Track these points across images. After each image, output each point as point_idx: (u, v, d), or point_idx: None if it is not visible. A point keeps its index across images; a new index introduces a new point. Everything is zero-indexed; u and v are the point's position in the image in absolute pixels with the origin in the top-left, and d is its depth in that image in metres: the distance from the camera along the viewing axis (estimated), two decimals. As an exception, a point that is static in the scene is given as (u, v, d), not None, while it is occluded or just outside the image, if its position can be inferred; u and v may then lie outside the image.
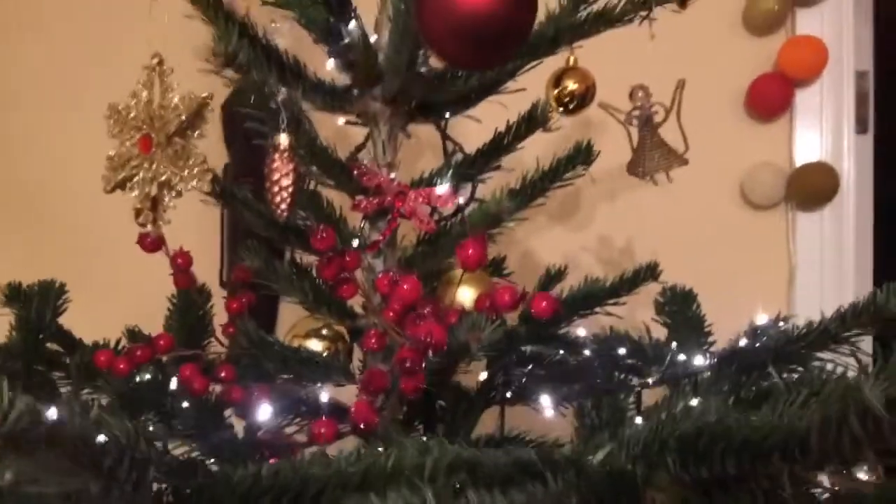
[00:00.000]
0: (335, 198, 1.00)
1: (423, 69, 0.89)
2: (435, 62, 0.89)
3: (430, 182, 0.96)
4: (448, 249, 0.89)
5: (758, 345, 0.81)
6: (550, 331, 0.95)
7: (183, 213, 0.81)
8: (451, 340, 0.71)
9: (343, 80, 0.90)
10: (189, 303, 1.01)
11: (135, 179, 0.82)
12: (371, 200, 0.89)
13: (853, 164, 1.57)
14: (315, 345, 0.95)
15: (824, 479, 0.54)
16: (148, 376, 0.92)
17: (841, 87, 1.57)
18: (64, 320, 0.98)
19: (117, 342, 0.98)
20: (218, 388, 0.91)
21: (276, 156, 0.78)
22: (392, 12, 0.83)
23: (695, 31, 1.24)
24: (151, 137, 0.81)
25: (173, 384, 0.86)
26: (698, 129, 1.07)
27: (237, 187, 0.97)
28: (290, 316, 1.06)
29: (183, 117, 0.79)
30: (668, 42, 0.94)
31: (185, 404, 0.87)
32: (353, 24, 0.87)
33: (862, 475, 0.60)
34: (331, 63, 0.90)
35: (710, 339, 0.96)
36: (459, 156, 0.96)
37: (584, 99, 1.00)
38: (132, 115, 0.82)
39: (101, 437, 0.51)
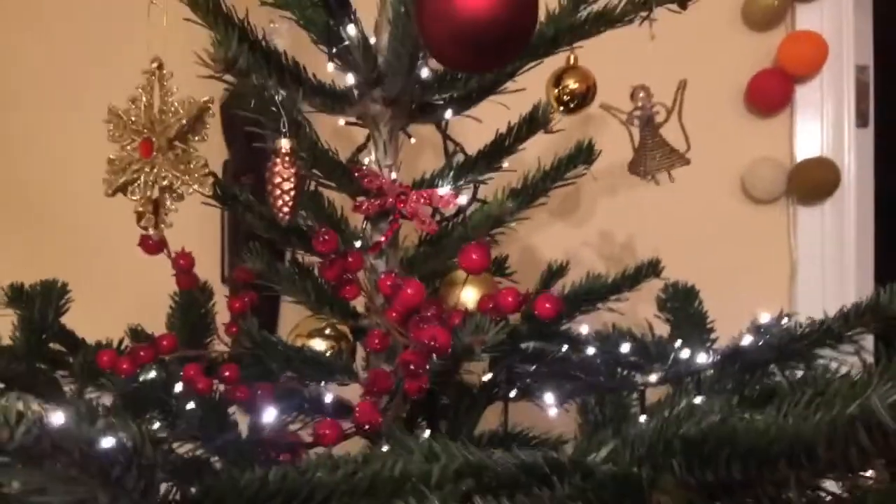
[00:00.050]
0: (336, 198, 1.00)
1: (423, 71, 0.89)
2: (435, 64, 0.88)
3: (431, 183, 0.96)
4: (450, 250, 0.89)
5: (761, 343, 0.81)
6: (552, 328, 0.96)
7: (183, 209, 0.81)
8: (455, 343, 0.72)
9: (343, 81, 0.90)
10: (191, 301, 1.01)
11: (136, 183, 0.82)
12: (372, 202, 0.89)
13: (854, 158, 1.57)
14: (318, 344, 0.95)
15: (828, 483, 0.54)
16: (152, 375, 0.92)
17: (841, 81, 1.57)
18: (65, 320, 0.99)
19: (120, 342, 0.98)
20: (222, 387, 0.91)
21: (278, 160, 0.78)
22: (392, 15, 0.83)
23: (694, 27, 1.23)
24: (152, 141, 0.81)
25: (178, 387, 0.86)
26: (699, 125, 1.07)
27: (238, 187, 0.97)
28: (291, 314, 1.06)
29: (184, 121, 0.79)
30: (667, 38, 0.94)
31: (190, 405, 0.86)
32: (352, 27, 0.87)
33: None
34: (331, 65, 0.89)
35: (713, 335, 0.96)
36: (460, 156, 0.96)
37: (584, 98, 1.00)
38: (133, 119, 0.83)
39: (109, 444, 0.51)
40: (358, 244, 0.93)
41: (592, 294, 1.03)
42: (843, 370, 0.67)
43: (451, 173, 0.95)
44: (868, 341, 0.78)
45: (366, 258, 0.91)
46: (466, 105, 0.97)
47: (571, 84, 1.01)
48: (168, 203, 0.81)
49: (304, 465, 0.55)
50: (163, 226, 0.82)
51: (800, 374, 0.81)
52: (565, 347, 0.97)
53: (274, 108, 0.78)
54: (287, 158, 0.78)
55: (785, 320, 0.85)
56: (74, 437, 0.47)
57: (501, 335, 0.72)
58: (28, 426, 0.43)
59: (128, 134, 0.83)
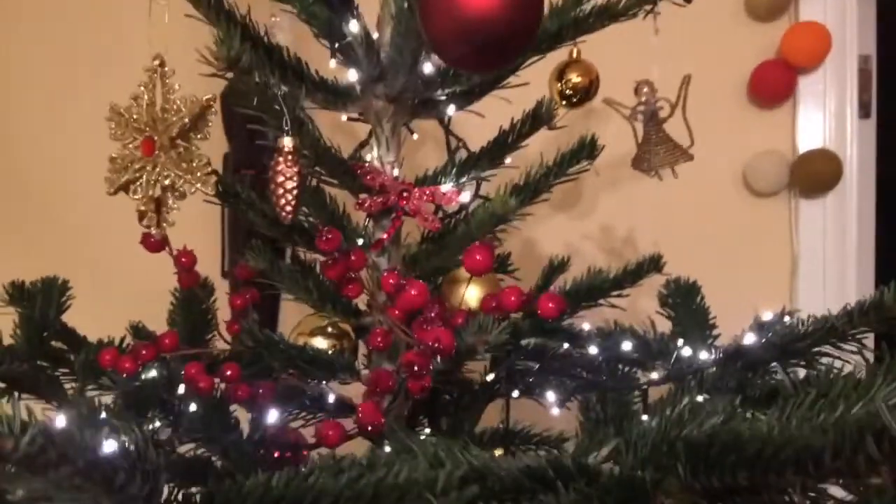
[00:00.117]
0: (337, 194, 1.00)
1: (425, 66, 0.88)
2: (438, 60, 0.88)
3: (434, 180, 0.95)
4: (453, 248, 0.89)
5: (763, 341, 0.81)
6: (554, 324, 0.95)
7: (184, 202, 0.81)
8: (459, 343, 0.71)
9: (346, 77, 0.90)
10: (192, 298, 1.01)
11: (138, 182, 0.82)
12: (375, 199, 0.89)
13: (856, 149, 1.57)
14: (320, 342, 0.95)
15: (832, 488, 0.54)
16: (153, 373, 0.92)
17: (844, 72, 1.56)
18: (66, 318, 0.99)
19: (121, 340, 0.98)
20: (223, 385, 0.91)
21: (281, 159, 0.78)
22: (394, 10, 0.82)
23: (697, 18, 1.23)
24: (154, 140, 0.81)
25: (181, 389, 0.86)
26: (701, 117, 1.06)
27: (239, 182, 0.97)
28: (292, 310, 1.06)
29: (186, 120, 0.79)
30: (670, 30, 0.94)
31: (193, 406, 0.86)
32: (354, 22, 0.86)
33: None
34: (334, 61, 0.89)
35: (715, 332, 0.96)
36: (463, 152, 0.96)
37: (587, 92, 1.00)
38: (134, 117, 0.82)
39: (113, 451, 0.51)
40: (360, 241, 0.92)
41: (594, 290, 1.03)
42: (847, 370, 0.67)
43: (454, 170, 0.95)
44: (869, 339, 0.78)
45: (368, 255, 0.91)
46: (469, 100, 0.96)
47: (574, 78, 1.00)
48: (170, 202, 0.81)
49: (307, 468, 0.55)
50: (165, 224, 0.82)
51: (802, 373, 0.81)
52: (566, 344, 0.98)
53: (277, 107, 0.78)
54: (290, 157, 0.78)
55: (787, 318, 0.85)
56: (79, 444, 0.47)
57: (504, 335, 0.72)
58: (33, 436, 0.43)
59: (129, 132, 0.82)
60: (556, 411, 0.96)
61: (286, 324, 1.31)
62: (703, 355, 0.87)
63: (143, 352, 0.89)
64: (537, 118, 0.96)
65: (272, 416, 0.87)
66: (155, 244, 0.87)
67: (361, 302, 0.96)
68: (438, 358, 0.71)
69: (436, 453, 0.53)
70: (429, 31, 0.66)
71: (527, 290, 0.85)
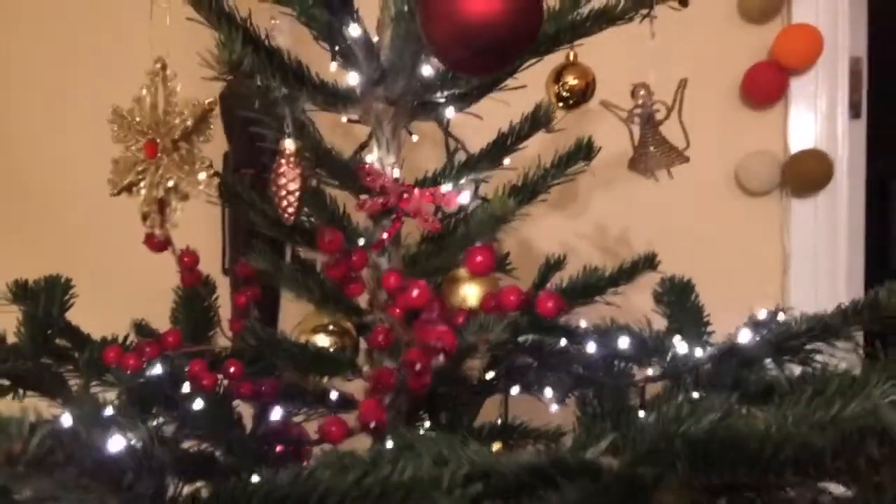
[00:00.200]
0: (337, 194, 1.01)
1: (425, 69, 0.89)
2: (438, 62, 0.89)
3: (433, 181, 0.97)
4: (453, 248, 0.90)
5: (758, 339, 0.83)
6: (551, 321, 0.97)
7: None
8: (460, 342, 0.73)
9: (346, 80, 0.91)
10: (194, 296, 1.02)
11: (141, 184, 0.83)
12: (375, 200, 0.90)
13: (847, 149, 1.58)
14: (322, 340, 0.96)
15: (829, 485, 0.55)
16: (157, 370, 0.92)
17: (835, 73, 1.58)
18: (68, 316, 0.99)
19: (125, 338, 0.99)
20: (226, 382, 0.92)
21: (283, 161, 0.79)
22: (394, 13, 0.83)
23: (692, 21, 1.24)
24: (157, 142, 0.82)
25: (186, 387, 0.87)
26: (694, 118, 1.07)
27: (239, 181, 0.98)
28: (292, 307, 1.07)
29: (188, 122, 0.80)
30: (663, 32, 0.95)
31: (197, 403, 0.87)
32: (354, 25, 0.87)
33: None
34: (334, 64, 0.90)
35: (709, 329, 0.98)
36: (462, 154, 0.97)
37: (584, 95, 1.01)
38: (137, 119, 0.83)
39: (120, 451, 0.52)
40: (361, 242, 0.94)
41: (590, 287, 1.05)
42: (842, 367, 0.68)
43: (454, 171, 0.96)
44: (858, 337, 0.80)
45: (369, 255, 0.92)
46: (467, 102, 0.98)
47: (571, 80, 1.01)
48: (173, 203, 0.82)
49: (311, 466, 0.56)
50: (168, 225, 0.83)
51: (796, 370, 0.82)
52: (564, 341, 0.99)
53: (278, 110, 0.79)
54: (292, 159, 0.79)
55: (781, 316, 0.87)
56: (86, 445, 0.48)
57: (505, 334, 0.73)
58: (42, 437, 0.44)
59: (132, 134, 0.83)
60: (551, 402, 0.97)
61: (287, 319, 1.32)
62: (699, 352, 0.88)
63: (147, 349, 0.90)
64: (536, 121, 0.97)
65: (275, 412, 0.88)
66: (158, 244, 0.88)
67: (362, 300, 0.97)
68: (442, 358, 0.73)
69: (439, 451, 0.54)
70: (429, 34, 0.67)
71: (523, 287, 0.86)
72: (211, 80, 0.81)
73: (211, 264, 1.00)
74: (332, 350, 0.95)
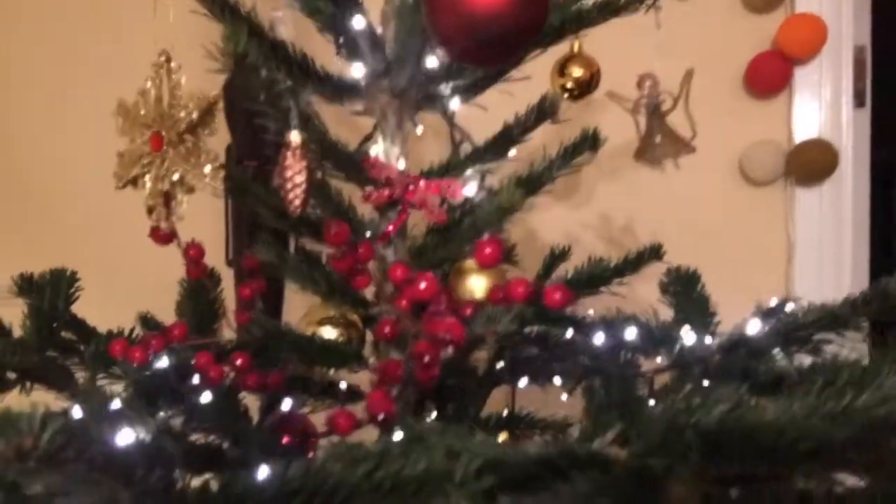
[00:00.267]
0: (342, 186, 1.00)
1: (430, 60, 0.89)
2: (442, 54, 0.89)
3: (439, 173, 0.96)
4: (459, 240, 0.90)
5: (766, 329, 0.82)
6: (557, 312, 0.96)
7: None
8: (468, 334, 0.73)
9: (350, 72, 0.90)
10: (199, 288, 1.02)
11: (146, 177, 0.83)
12: (381, 192, 0.90)
13: (851, 138, 1.58)
14: (329, 332, 0.96)
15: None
16: (163, 363, 0.92)
17: (839, 62, 1.57)
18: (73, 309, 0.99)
19: (131, 331, 0.99)
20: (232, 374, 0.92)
21: (289, 153, 0.79)
22: (399, 5, 0.83)
23: (696, 11, 1.24)
24: (162, 135, 0.82)
25: (193, 380, 0.87)
26: (698, 108, 1.07)
27: (242, 171, 0.98)
28: (296, 300, 1.07)
29: (193, 115, 0.80)
30: (668, 23, 0.95)
31: (203, 396, 0.87)
32: (359, 17, 0.87)
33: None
34: (339, 56, 0.90)
35: (716, 319, 0.98)
36: (467, 145, 0.97)
37: (588, 86, 1.01)
38: (141, 112, 0.83)
39: (131, 445, 0.52)
40: (367, 234, 0.93)
41: (595, 278, 1.04)
42: (852, 357, 0.68)
43: (459, 163, 0.95)
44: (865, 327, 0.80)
45: (375, 247, 0.92)
46: (472, 94, 0.97)
47: (576, 71, 1.01)
48: (179, 196, 0.82)
49: (321, 459, 0.56)
50: (174, 218, 0.83)
51: (805, 360, 0.82)
52: (570, 331, 0.99)
53: (284, 102, 0.79)
54: (298, 151, 0.79)
55: (790, 306, 0.86)
56: (97, 439, 0.48)
57: (514, 325, 0.73)
58: (53, 433, 0.44)
59: (137, 127, 0.83)
60: (559, 392, 0.97)
61: (291, 311, 1.32)
62: (706, 343, 0.88)
63: (153, 342, 0.90)
64: (542, 112, 0.97)
65: (281, 403, 0.88)
66: (164, 237, 0.88)
67: (368, 292, 0.97)
68: (451, 350, 0.73)
69: (451, 444, 0.54)
70: (434, 25, 0.66)
71: (528, 278, 0.86)
72: (214, 73, 0.81)
73: (214, 257, 1.00)
74: (338, 342, 0.95)
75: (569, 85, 1.01)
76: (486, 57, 0.67)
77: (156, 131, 0.81)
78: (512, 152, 0.99)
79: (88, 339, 0.98)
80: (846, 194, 1.59)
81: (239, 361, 0.90)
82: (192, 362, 0.89)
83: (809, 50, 1.53)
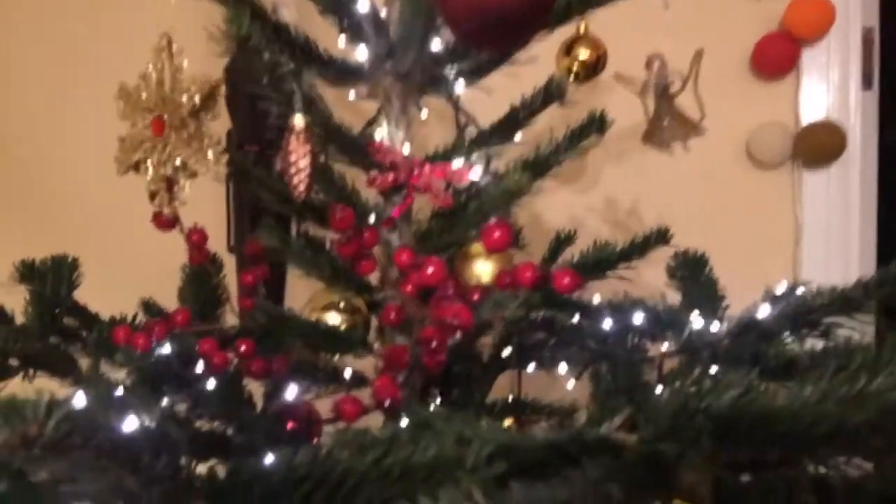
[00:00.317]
0: (345, 171, 0.99)
1: (434, 43, 0.88)
2: (448, 35, 0.87)
3: (444, 157, 0.95)
4: (465, 224, 0.89)
5: (775, 313, 0.82)
6: (564, 297, 0.96)
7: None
8: (476, 319, 0.72)
9: (354, 55, 0.89)
10: (202, 274, 1.01)
11: (149, 162, 0.82)
12: (385, 176, 0.89)
13: (859, 120, 1.56)
14: (333, 318, 0.95)
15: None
16: (166, 349, 0.92)
17: (847, 43, 1.56)
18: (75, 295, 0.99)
19: (134, 317, 0.98)
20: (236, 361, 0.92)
21: (292, 137, 0.78)
22: (404, -14, 0.82)
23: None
24: (164, 119, 0.80)
25: (196, 366, 0.86)
26: (705, 90, 1.06)
27: (243, 156, 0.97)
28: (298, 283, 1.06)
29: (196, 99, 0.79)
30: (673, 3, 0.93)
31: (208, 382, 0.87)
32: (362, -1, 0.85)
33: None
34: (342, 39, 0.88)
35: (724, 303, 0.97)
36: (472, 129, 0.96)
37: (595, 68, 0.99)
38: (143, 96, 0.82)
39: (137, 431, 0.51)
40: (371, 218, 0.92)
41: (601, 262, 1.04)
42: (865, 341, 0.67)
43: (464, 146, 0.94)
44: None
45: (380, 232, 0.91)
46: (477, 77, 0.96)
47: (582, 53, 1.00)
48: (181, 181, 0.81)
49: (328, 445, 0.55)
50: (176, 203, 0.82)
51: (813, 344, 0.81)
52: (576, 316, 0.98)
53: (287, 85, 0.77)
54: (301, 135, 0.78)
55: (801, 289, 0.86)
56: (104, 426, 0.47)
57: (521, 310, 0.72)
58: (58, 420, 0.43)
59: (139, 111, 0.82)
60: (565, 377, 0.96)
61: (293, 297, 1.32)
62: (715, 327, 0.87)
63: (157, 328, 0.90)
64: (549, 94, 0.96)
65: (286, 389, 0.88)
66: (166, 222, 0.87)
67: (373, 277, 0.96)
68: (459, 335, 0.72)
69: (461, 430, 0.53)
70: (443, 5, 0.65)
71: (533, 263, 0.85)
72: (214, 57, 0.80)
73: (216, 243, 0.99)
74: (343, 328, 0.94)
75: (575, 67, 0.99)
76: (494, 38, 0.66)
77: (158, 115, 0.80)
78: (517, 136, 0.97)
79: (91, 325, 0.97)
80: (854, 177, 1.57)
81: (243, 348, 0.90)
82: (196, 349, 0.88)
83: (817, 31, 1.51)
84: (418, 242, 0.93)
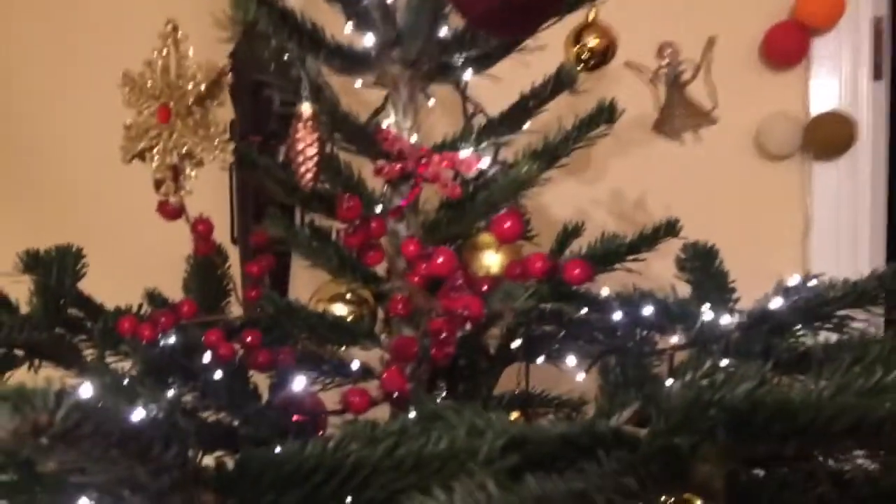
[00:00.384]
0: (352, 160, 0.99)
1: (443, 30, 0.87)
2: (456, 22, 0.86)
3: (452, 146, 0.94)
4: (473, 214, 0.88)
5: (789, 305, 0.81)
6: (572, 289, 0.95)
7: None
8: (486, 310, 0.71)
9: (361, 42, 0.88)
10: (207, 265, 1.01)
11: (154, 150, 0.81)
12: (393, 166, 0.88)
13: (870, 111, 1.55)
14: (340, 309, 0.94)
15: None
16: (171, 340, 0.91)
17: (858, 33, 1.54)
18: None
19: (139, 308, 0.97)
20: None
21: (300, 125, 0.77)
22: (411, -28, 0.81)
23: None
24: (170, 107, 0.79)
25: (201, 357, 0.86)
26: (714, 80, 1.05)
27: (246, 147, 0.96)
28: (302, 277, 1.05)
29: (202, 86, 0.78)
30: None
31: (214, 373, 0.86)
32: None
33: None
34: (349, 26, 0.87)
35: (734, 296, 0.96)
36: (481, 118, 0.95)
37: (604, 55, 0.98)
38: (148, 83, 0.81)
39: (146, 422, 0.51)
40: (378, 209, 0.92)
41: (610, 255, 1.03)
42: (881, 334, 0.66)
43: (473, 136, 0.93)
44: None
45: (388, 222, 0.90)
46: (485, 65, 0.95)
47: (591, 41, 0.98)
48: (187, 170, 0.80)
49: (338, 437, 0.55)
50: (182, 193, 0.81)
51: (825, 337, 0.80)
52: (585, 309, 0.97)
53: (295, 72, 0.76)
54: (310, 123, 0.77)
55: (813, 282, 0.85)
56: (113, 417, 0.47)
57: (532, 301, 0.71)
58: (68, 410, 0.43)
59: (144, 99, 0.81)
60: (573, 370, 0.96)
61: (297, 288, 1.31)
62: (726, 319, 0.86)
63: (163, 319, 0.89)
64: (559, 82, 0.95)
65: (292, 381, 0.87)
66: (172, 212, 0.86)
67: (380, 268, 0.95)
68: (469, 326, 0.71)
69: (473, 421, 0.53)
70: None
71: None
72: (218, 45, 0.79)
73: (219, 235, 0.98)
74: (349, 319, 0.93)
75: (584, 55, 0.98)
76: (506, 21, 0.65)
77: (163, 103, 0.79)
78: (526, 125, 0.96)
79: (95, 315, 0.97)
80: (864, 169, 1.56)
81: (249, 339, 0.89)
82: (202, 340, 0.88)
83: (828, 20, 1.50)
84: (426, 233, 0.93)
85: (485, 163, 0.88)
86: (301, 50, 0.80)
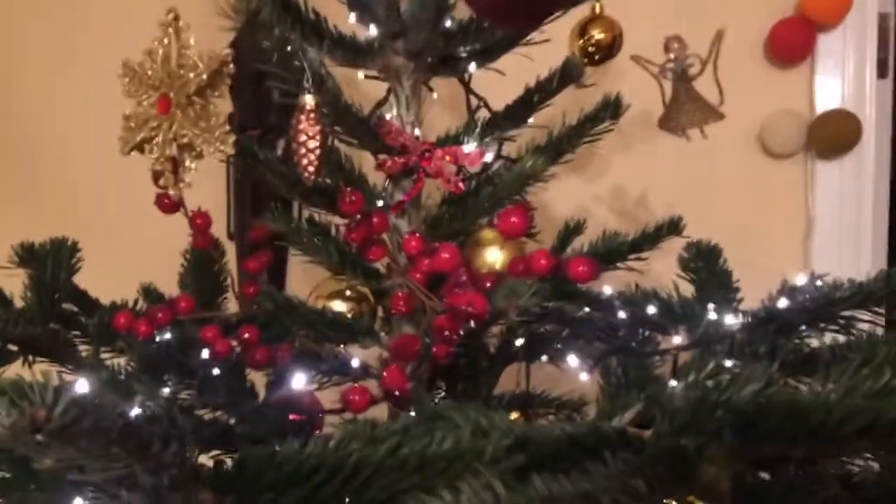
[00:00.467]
0: (353, 154, 0.97)
1: (447, 22, 0.86)
2: (461, 13, 0.85)
3: (455, 140, 0.93)
4: (477, 210, 0.87)
5: (795, 305, 0.80)
6: (574, 287, 0.94)
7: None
8: (489, 307, 0.70)
9: (364, 33, 0.87)
10: (203, 260, 1.00)
11: (154, 141, 0.79)
12: (396, 160, 0.87)
13: (874, 109, 1.54)
14: (339, 306, 0.93)
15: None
16: (167, 336, 0.90)
17: (864, 30, 1.53)
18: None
19: (135, 303, 0.96)
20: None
21: (302, 117, 0.75)
22: (417, -37, 0.80)
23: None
24: (170, 97, 0.78)
25: (199, 352, 0.85)
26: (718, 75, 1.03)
27: (245, 140, 0.95)
28: (298, 271, 1.04)
29: (203, 76, 0.76)
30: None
31: (212, 370, 0.85)
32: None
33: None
34: (352, 17, 0.86)
35: (738, 295, 0.95)
36: (484, 112, 0.93)
37: (610, 49, 0.97)
38: (149, 73, 0.79)
39: (145, 419, 0.50)
40: (380, 203, 0.90)
41: (612, 253, 1.02)
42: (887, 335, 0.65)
43: (476, 130, 0.92)
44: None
45: (389, 218, 0.89)
46: (490, 58, 0.94)
47: (597, 34, 0.97)
48: (187, 161, 0.78)
49: (339, 435, 0.54)
50: (181, 185, 0.80)
51: (832, 339, 0.79)
52: (586, 308, 0.96)
53: (297, 63, 0.75)
54: (312, 115, 0.75)
55: (818, 282, 0.84)
56: (112, 414, 0.46)
57: (536, 299, 0.70)
58: (66, 405, 0.42)
59: (144, 89, 0.79)
60: (575, 371, 0.95)
61: (293, 284, 1.30)
62: (730, 319, 0.85)
63: (160, 315, 0.88)
64: (565, 76, 0.93)
65: (290, 379, 0.86)
66: (170, 205, 0.85)
67: (380, 265, 0.94)
68: (472, 324, 0.70)
69: (478, 421, 0.52)
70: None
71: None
72: (219, 35, 0.78)
73: (215, 230, 0.97)
74: (349, 316, 0.92)
75: (589, 48, 0.97)
76: (514, 10, 0.64)
77: (163, 93, 0.78)
78: (530, 120, 0.95)
79: (90, 310, 0.95)
80: (867, 168, 1.55)
81: (247, 335, 0.88)
82: (198, 336, 0.87)
83: (834, 16, 1.49)
84: (428, 229, 0.91)
85: (489, 157, 0.87)
86: (303, 40, 0.79)
